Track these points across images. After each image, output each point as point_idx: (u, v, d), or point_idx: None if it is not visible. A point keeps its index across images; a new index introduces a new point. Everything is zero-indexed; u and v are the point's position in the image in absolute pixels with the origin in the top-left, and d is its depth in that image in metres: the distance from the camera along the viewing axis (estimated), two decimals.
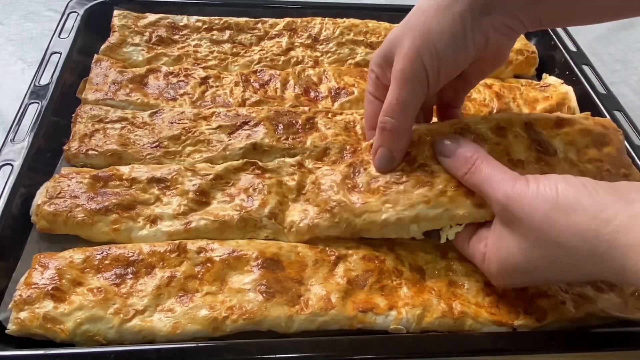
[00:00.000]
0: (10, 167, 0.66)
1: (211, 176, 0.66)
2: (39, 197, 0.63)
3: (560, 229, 0.45)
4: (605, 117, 0.81)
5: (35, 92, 0.75)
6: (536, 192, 0.47)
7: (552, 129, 0.59)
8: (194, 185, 0.65)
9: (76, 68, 0.82)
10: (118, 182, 0.65)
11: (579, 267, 0.46)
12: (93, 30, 0.88)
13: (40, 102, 0.74)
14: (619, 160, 0.60)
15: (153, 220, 0.62)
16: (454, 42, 0.52)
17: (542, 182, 0.47)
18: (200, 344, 0.52)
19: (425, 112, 0.66)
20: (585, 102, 0.84)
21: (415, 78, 0.54)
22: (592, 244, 0.43)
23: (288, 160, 0.69)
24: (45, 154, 0.71)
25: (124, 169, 0.66)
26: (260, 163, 0.68)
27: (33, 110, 0.73)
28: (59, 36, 0.84)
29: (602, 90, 0.85)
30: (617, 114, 0.81)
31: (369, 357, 0.52)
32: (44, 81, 0.77)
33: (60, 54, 0.81)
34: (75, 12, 0.89)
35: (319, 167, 0.67)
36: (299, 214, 0.63)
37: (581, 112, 0.83)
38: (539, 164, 0.57)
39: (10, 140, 0.69)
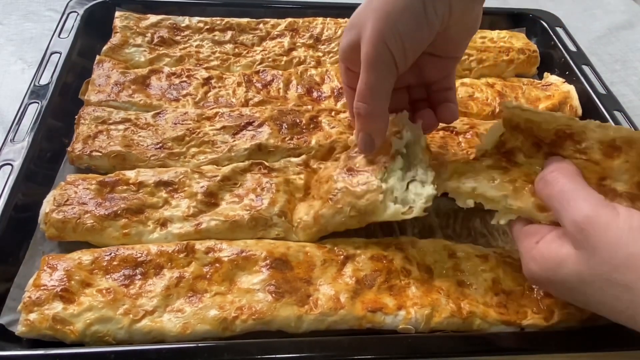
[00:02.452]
0: (10, 167, 0.66)
1: (218, 177, 0.66)
2: (47, 206, 0.63)
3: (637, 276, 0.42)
4: (606, 117, 0.81)
5: (35, 92, 0.75)
6: (628, 228, 0.43)
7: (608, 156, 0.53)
8: (201, 187, 0.65)
9: (76, 68, 0.82)
10: (125, 187, 0.65)
11: (635, 313, 0.43)
12: (93, 30, 0.88)
13: (40, 102, 0.74)
14: None
15: (163, 223, 0.62)
16: (415, 19, 0.50)
17: (637, 218, 0.44)
18: (200, 344, 0.52)
19: (414, 102, 0.64)
20: (585, 102, 0.84)
21: (381, 62, 0.52)
22: None
23: (294, 160, 0.69)
24: (45, 154, 0.71)
25: (130, 174, 0.66)
26: (266, 163, 0.68)
27: (33, 110, 0.73)
28: (59, 36, 0.84)
29: (602, 90, 0.86)
30: (617, 114, 0.82)
31: (369, 357, 0.52)
32: (43, 81, 0.77)
33: (60, 53, 0.81)
34: (75, 12, 0.89)
35: (327, 168, 0.68)
36: (305, 209, 0.63)
37: (582, 111, 0.84)
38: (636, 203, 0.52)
39: (10, 140, 0.69)
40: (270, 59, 0.87)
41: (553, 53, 0.95)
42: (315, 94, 0.81)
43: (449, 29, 0.54)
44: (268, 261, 0.58)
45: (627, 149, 0.51)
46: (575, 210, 0.46)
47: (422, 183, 0.58)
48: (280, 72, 0.84)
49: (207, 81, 0.81)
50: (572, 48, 0.94)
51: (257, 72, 0.83)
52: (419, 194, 0.58)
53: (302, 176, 0.67)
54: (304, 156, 0.69)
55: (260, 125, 0.73)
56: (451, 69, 0.62)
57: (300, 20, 0.92)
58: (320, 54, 0.89)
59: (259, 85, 0.82)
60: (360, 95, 0.55)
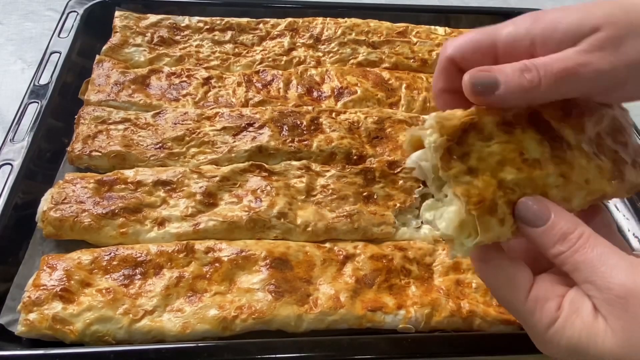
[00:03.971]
0: (10, 166, 0.66)
1: (217, 178, 0.66)
2: (44, 204, 0.63)
3: None
4: None
5: (35, 92, 0.75)
6: None
7: (561, 120, 0.46)
8: (200, 187, 0.65)
9: (76, 68, 0.82)
10: (123, 186, 0.65)
11: None
12: (93, 29, 0.88)
13: (39, 102, 0.74)
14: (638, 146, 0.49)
15: (160, 222, 0.62)
16: None
17: None
18: (200, 344, 0.52)
19: None
20: None
21: None
22: None
23: (294, 163, 0.69)
24: (45, 154, 0.71)
25: (129, 173, 0.66)
26: (266, 166, 0.68)
27: (33, 109, 0.73)
28: (58, 36, 0.84)
29: None
30: None
31: (369, 357, 0.52)
32: (43, 81, 0.77)
33: (60, 53, 0.81)
34: (75, 11, 0.89)
35: (328, 171, 0.68)
36: (313, 215, 0.64)
37: None
38: (554, 161, 0.45)
39: (10, 140, 0.69)
40: (270, 59, 0.87)
41: None
42: (315, 94, 0.81)
43: None
44: (268, 261, 0.58)
45: (516, 119, 0.45)
46: (612, 278, 0.39)
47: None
48: (280, 72, 0.84)
49: (207, 81, 0.81)
50: None
51: (257, 72, 0.83)
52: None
53: (303, 179, 0.67)
54: (304, 161, 0.70)
55: (261, 126, 0.73)
56: None
57: (300, 20, 0.92)
58: (320, 54, 0.88)
59: (259, 85, 0.81)
60: None
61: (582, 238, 0.40)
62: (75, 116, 0.73)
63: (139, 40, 0.86)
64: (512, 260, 0.43)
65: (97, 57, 0.82)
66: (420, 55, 0.89)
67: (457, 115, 0.42)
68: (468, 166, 0.41)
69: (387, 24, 0.94)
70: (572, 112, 0.47)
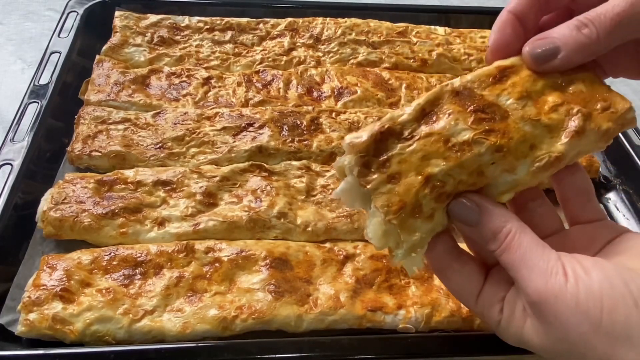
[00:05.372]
0: (10, 166, 0.66)
1: (217, 178, 0.66)
2: (44, 204, 0.63)
3: (598, 357, 0.38)
4: None
5: (35, 92, 0.75)
6: (575, 303, 0.38)
7: (493, 86, 0.43)
8: (200, 187, 0.65)
9: (76, 68, 0.82)
10: (123, 186, 0.65)
11: None
12: (93, 29, 0.88)
13: (39, 102, 0.74)
14: (591, 93, 0.44)
15: (160, 222, 0.63)
16: None
17: (582, 285, 0.38)
18: (200, 344, 0.52)
19: None
20: None
21: None
22: None
23: (294, 163, 0.69)
24: (45, 154, 0.71)
25: (129, 173, 0.66)
26: (266, 166, 0.68)
27: (33, 109, 0.73)
28: (58, 36, 0.84)
29: None
30: None
31: (369, 357, 0.52)
32: (43, 81, 0.77)
33: (60, 53, 0.81)
34: (74, 11, 0.89)
35: (328, 171, 0.68)
36: (313, 215, 0.64)
37: None
38: (487, 136, 0.41)
39: (10, 140, 0.69)
40: (270, 59, 0.87)
41: None
42: (315, 94, 0.81)
43: None
44: (268, 261, 0.58)
45: (437, 105, 0.43)
46: (528, 283, 0.40)
47: None
48: (280, 72, 0.84)
49: (207, 81, 0.81)
50: None
51: (257, 72, 0.83)
52: None
53: (303, 179, 0.67)
54: (304, 161, 0.70)
55: (261, 126, 0.73)
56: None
57: (300, 20, 0.92)
58: (320, 54, 0.88)
59: (259, 85, 0.81)
60: None
61: (509, 236, 0.41)
62: (75, 116, 0.73)
63: (139, 40, 0.86)
64: (463, 265, 0.45)
65: (97, 57, 0.82)
66: (420, 55, 0.89)
67: (369, 128, 0.42)
68: (389, 174, 0.41)
69: (387, 24, 0.94)
70: (507, 75, 0.44)
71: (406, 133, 0.41)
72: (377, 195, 0.40)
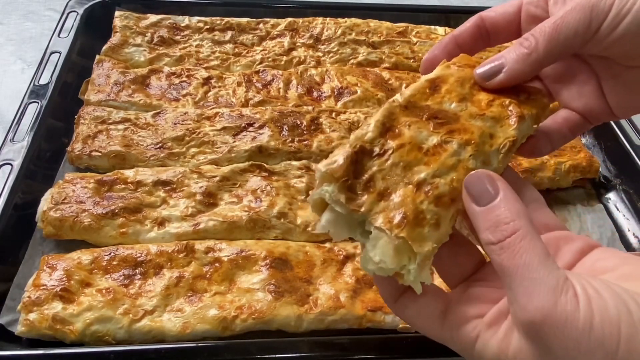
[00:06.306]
0: (10, 166, 0.66)
1: (217, 178, 0.66)
2: (44, 204, 0.63)
3: None
4: None
5: (35, 92, 0.75)
6: (590, 328, 0.33)
7: (432, 96, 0.44)
8: (200, 187, 0.65)
9: (76, 68, 0.82)
10: (123, 186, 0.65)
11: None
12: (93, 29, 0.88)
13: (39, 102, 0.74)
14: (513, 88, 0.46)
15: (161, 222, 0.63)
16: None
17: (597, 308, 0.33)
18: (200, 344, 0.52)
19: None
20: None
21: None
22: None
23: (294, 163, 0.69)
24: (45, 154, 0.71)
25: (129, 173, 0.66)
26: (266, 166, 0.68)
27: (33, 109, 0.73)
28: (58, 36, 0.84)
29: None
30: None
31: (369, 357, 0.52)
32: (43, 81, 0.77)
33: (60, 53, 0.81)
34: (74, 11, 0.89)
35: None
36: (313, 215, 0.63)
37: None
38: (454, 135, 0.42)
39: (10, 140, 0.69)
40: (270, 59, 0.87)
41: None
42: (315, 94, 0.81)
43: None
44: (268, 261, 0.58)
45: (395, 121, 0.43)
46: (530, 299, 0.34)
47: None
48: (280, 72, 0.84)
49: (207, 81, 0.81)
50: None
51: (257, 72, 0.83)
52: None
53: (303, 179, 0.67)
54: (304, 161, 0.70)
55: (261, 126, 0.73)
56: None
57: (300, 20, 0.92)
58: (320, 54, 0.89)
59: (259, 85, 0.82)
60: None
61: (515, 236, 0.36)
62: (75, 116, 0.73)
63: (139, 40, 0.86)
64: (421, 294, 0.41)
65: (97, 57, 0.82)
66: (420, 55, 0.89)
67: (339, 152, 0.40)
68: (378, 192, 0.39)
69: (387, 24, 0.94)
70: (438, 84, 0.45)
71: (377, 149, 0.41)
72: (374, 216, 0.39)
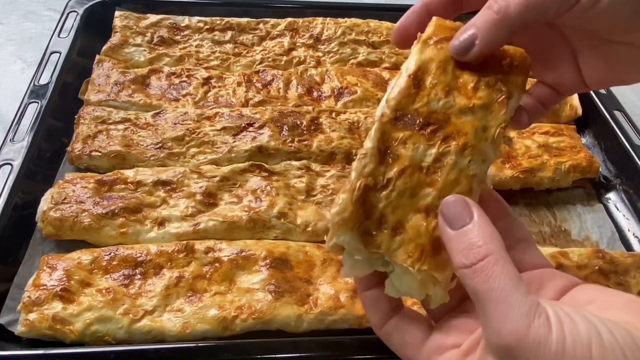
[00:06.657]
0: (10, 166, 0.66)
1: (217, 178, 0.66)
2: (44, 204, 0.63)
3: None
4: (605, 116, 0.81)
5: (35, 92, 0.75)
6: (562, 351, 0.33)
7: (418, 95, 0.42)
8: (200, 187, 0.65)
9: (76, 68, 0.82)
10: (123, 186, 0.65)
11: None
12: (93, 29, 0.88)
13: (39, 102, 0.74)
14: (491, 57, 0.44)
15: (160, 222, 0.63)
16: None
17: (568, 331, 0.33)
18: (200, 344, 0.52)
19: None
20: (586, 102, 0.84)
21: None
22: None
23: (294, 163, 0.69)
24: (45, 154, 0.71)
25: (129, 173, 0.66)
26: (266, 166, 0.68)
27: (33, 109, 0.73)
28: (58, 36, 0.84)
29: (602, 90, 0.85)
30: (617, 113, 0.81)
31: (369, 357, 0.52)
32: (43, 80, 0.77)
33: (60, 53, 0.81)
34: (74, 11, 0.89)
35: (328, 171, 0.68)
36: (313, 215, 0.64)
37: (583, 110, 0.84)
38: (450, 141, 0.41)
39: (10, 140, 0.69)
40: (270, 59, 0.87)
41: None
42: (315, 94, 0.81)
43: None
44: (268, 261, 0.58)
45: (388, 140, 0.42)
46: (504, 324, 0.34)
47: None
48: (280, 72, 0.84)
49: (207, 81, 0.81)
50: None
51: (257, 72, 0.83)
52: None
53: (303, 179, 0.67)
54: (304, 161, 0.70)
55: (261, 126, 0.73)
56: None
57: (300, 20, 0.92)
58: (320, 54, 0.89)
59: (259, 85, 0.82)
60: None
61: (487, 260, 0.36)
62: (75, 116, 0.73)
63: (139, 40, 0.86)
64: (404, 320, 0.43)
65: (97, 57, 0.82)
66: None
67: (345, 196, 0.40)
68: (391, 227, 0.40)
69: (387, 24, 0.94)
70: (419, 83, 0.43)
71: (380, 180, 0.41)
72: (393, 254, 0.39)
